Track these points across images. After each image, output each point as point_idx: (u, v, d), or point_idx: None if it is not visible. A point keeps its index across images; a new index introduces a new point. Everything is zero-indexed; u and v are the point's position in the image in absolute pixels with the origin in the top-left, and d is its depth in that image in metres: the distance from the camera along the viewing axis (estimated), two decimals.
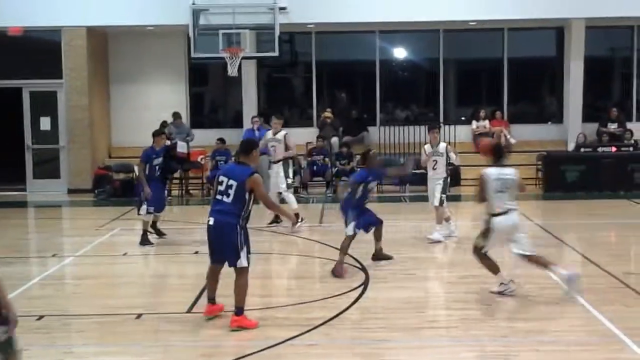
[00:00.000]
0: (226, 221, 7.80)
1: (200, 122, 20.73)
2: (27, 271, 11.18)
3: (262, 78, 21.26)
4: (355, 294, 9.15)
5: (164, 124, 18.50)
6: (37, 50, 20.06)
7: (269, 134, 14.13)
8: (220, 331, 8.01)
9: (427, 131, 13.25)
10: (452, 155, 12.74)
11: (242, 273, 7.86)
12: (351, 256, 10.91)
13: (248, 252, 7.88)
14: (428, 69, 21.56)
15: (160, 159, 12.51)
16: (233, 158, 13.50)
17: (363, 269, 10.35)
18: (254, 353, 7.18)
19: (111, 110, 20.75)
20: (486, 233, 8.88)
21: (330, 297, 9.05)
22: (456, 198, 17.96)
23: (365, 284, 9.61)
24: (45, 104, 19.59)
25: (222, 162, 18.27)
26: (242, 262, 7.82)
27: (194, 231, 13.72)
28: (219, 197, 7.90)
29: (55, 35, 19.19)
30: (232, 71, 17.98)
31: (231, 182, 7.83)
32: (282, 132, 13.93)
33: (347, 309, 8.54)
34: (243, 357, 7.09)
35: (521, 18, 19.10)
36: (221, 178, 7.95)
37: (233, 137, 19.08)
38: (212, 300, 8.26)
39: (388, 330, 7.84)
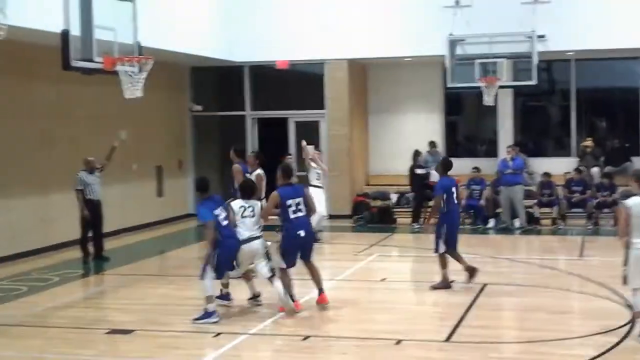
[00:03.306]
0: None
1: (455, 151, 20.79)
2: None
3: (518, 106, 20.96)
4: (622, 333, 8.75)
5: (416, 153, 18.80)
6: (302, 82, 21.21)
7: None
8: None
9: None
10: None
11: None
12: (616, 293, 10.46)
13: None
14: None
15: None
16: None
17: (630, 307, 9.85)
18: None
19: (369, 139, 21.39)
20: None
21: (592, 334, 8.75)
22: None
23: (632, 322, 9.14)
24: (309, 133, 20.57)
25: (477, 190, 18.23)
26: None
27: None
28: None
29: (319, 67, 20.12)
30: (488, 100, 17.92)
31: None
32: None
33: (610, 349, 8.20)
34: None
35: None
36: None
37: (488, 166, 18.99)
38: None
39: None
